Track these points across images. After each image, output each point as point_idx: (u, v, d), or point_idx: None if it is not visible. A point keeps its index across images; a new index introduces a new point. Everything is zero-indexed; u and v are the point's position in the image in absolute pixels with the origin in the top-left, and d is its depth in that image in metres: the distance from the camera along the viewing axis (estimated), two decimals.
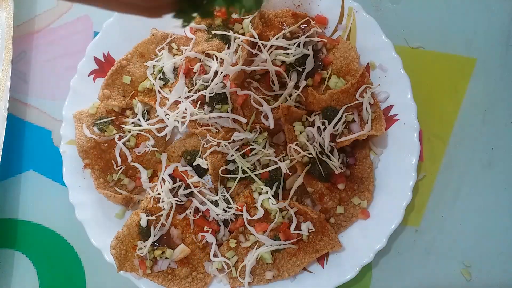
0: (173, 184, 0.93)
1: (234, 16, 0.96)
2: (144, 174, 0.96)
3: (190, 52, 0.96)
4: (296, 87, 0.93)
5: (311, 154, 0.89)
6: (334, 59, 0.94)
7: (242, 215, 0.91)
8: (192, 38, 0.98)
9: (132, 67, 0.99)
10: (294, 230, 0.90)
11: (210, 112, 0.94)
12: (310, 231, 0.89)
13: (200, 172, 0.97)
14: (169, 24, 0.99)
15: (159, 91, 0.97)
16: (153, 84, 0.97)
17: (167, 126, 0.97)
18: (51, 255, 1.02)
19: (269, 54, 0.92)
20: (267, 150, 0.93)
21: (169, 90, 0.97)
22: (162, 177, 0.94)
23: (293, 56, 0.92)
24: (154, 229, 0.92)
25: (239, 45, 0.93)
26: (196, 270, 0.93)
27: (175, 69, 0.98)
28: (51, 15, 1.12)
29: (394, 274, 0.96)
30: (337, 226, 0.92)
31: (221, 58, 0.94)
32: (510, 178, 0.96)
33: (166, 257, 0.92)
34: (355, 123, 0.92)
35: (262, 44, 0.92)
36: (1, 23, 1.05)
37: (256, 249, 0.91)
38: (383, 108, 0.93)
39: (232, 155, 0.92)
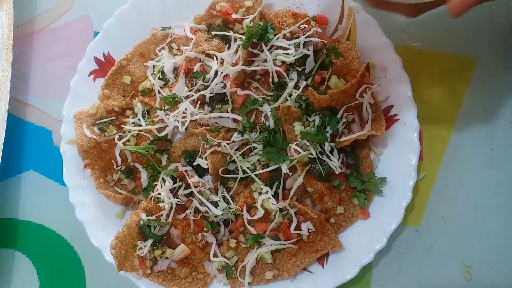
0: (173, 184, 0.93)
1: (234, 16, 0.96)
2: (144, 174, 0.96)
3: (190, 52, 0.96)
4: (296, 87, 0.93)
5: (311, 154, 0.90)
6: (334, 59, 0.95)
7: (242, 215, 0.91)
8: (192, 38, 0.98)
9: (132, 67, 0.99)
10: (294, 230, 0.90)
11: (210, 112, 0.94)
12: (310, 231, 0.89)
13: (200, 172, 0.97)
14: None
15: (159, 91, 0.97)
16: (153, 84, 0.97)
17: (167, 126, 0.97)
18: (51, 255, 1.02)
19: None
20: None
21: (169, 90, 0.97)
22: (162, 177, 0.94)
23: (293, 56, 0.92)
24: (154, 229, 0.92)
25: (239, 45, 0.93)
26: (196, 270, 0.93)
27: (175, 69, 0.98)
28: (51, 15, 1.12)
29: (394, 274, 0.95)
30: (337, 226, 0.92)
31: (221, 58, 0.95)
32: (510, 178, 0.96)
33: (166, 257, 0.92)
34: (355, 123, 0.92)
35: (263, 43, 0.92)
36: (1, 23, 1.05)
37: (256, 249, 0.91)
38: (383, 108, 0.93)
39: (232, 155, 0.92)
